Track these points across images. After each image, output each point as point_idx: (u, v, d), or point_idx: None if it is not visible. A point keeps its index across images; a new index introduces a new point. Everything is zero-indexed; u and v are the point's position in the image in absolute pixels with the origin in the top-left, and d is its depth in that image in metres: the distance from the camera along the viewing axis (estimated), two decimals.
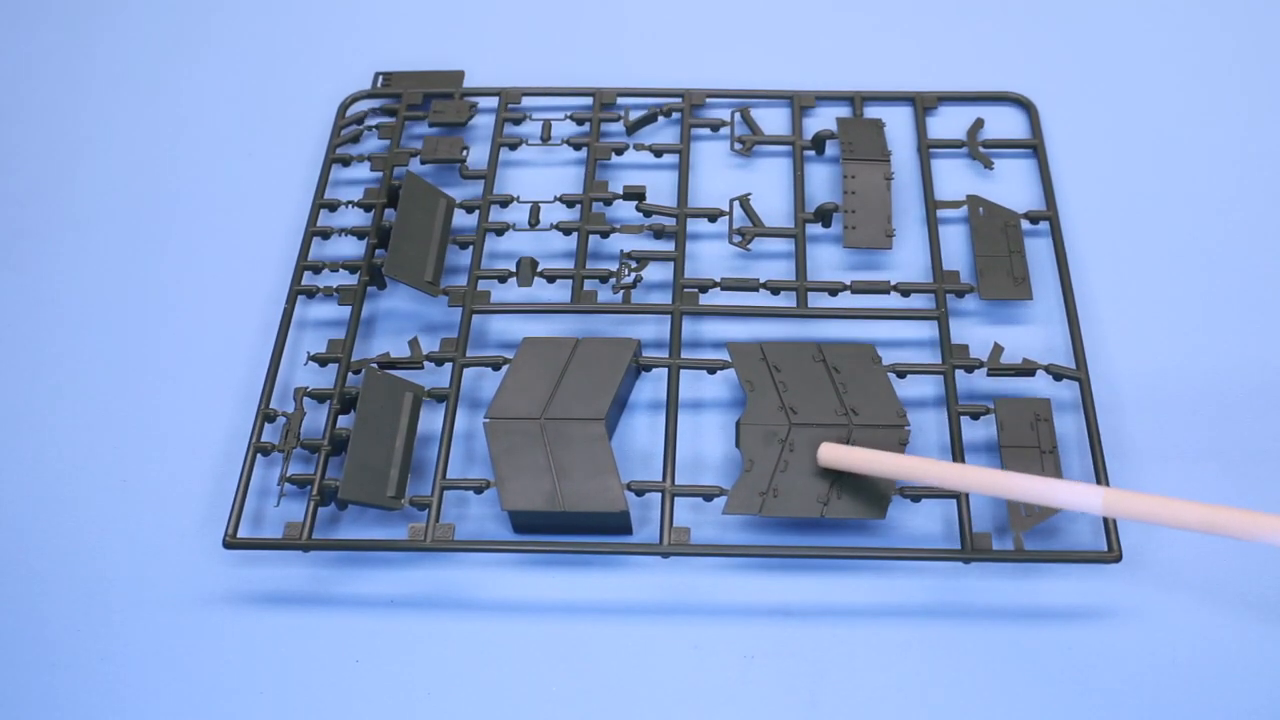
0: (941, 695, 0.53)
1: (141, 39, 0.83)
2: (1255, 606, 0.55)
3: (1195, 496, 0.57)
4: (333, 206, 0.70)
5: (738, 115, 0.74)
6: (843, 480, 0.56)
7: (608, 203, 0.69)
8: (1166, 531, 0.57)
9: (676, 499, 0.58)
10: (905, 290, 0.64)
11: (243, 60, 0.81)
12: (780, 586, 0.57)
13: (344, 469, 0.56)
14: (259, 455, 0.60)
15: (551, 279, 0.66)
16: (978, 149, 0.72)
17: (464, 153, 0.71)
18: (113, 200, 0.74)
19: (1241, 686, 0.53)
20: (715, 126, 0.74)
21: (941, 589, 0.56)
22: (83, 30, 0.84)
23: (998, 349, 0.61)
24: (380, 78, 0.78)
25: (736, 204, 0.69)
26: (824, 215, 0.68)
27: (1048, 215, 0.68)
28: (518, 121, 0.74)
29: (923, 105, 0.74)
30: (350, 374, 0.62)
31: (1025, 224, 0.68)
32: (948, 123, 0.74)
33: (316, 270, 0.67)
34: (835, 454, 0.55)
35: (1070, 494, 0.47)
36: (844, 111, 0.75)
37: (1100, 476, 0.57)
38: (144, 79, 0.81)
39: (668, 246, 0.68)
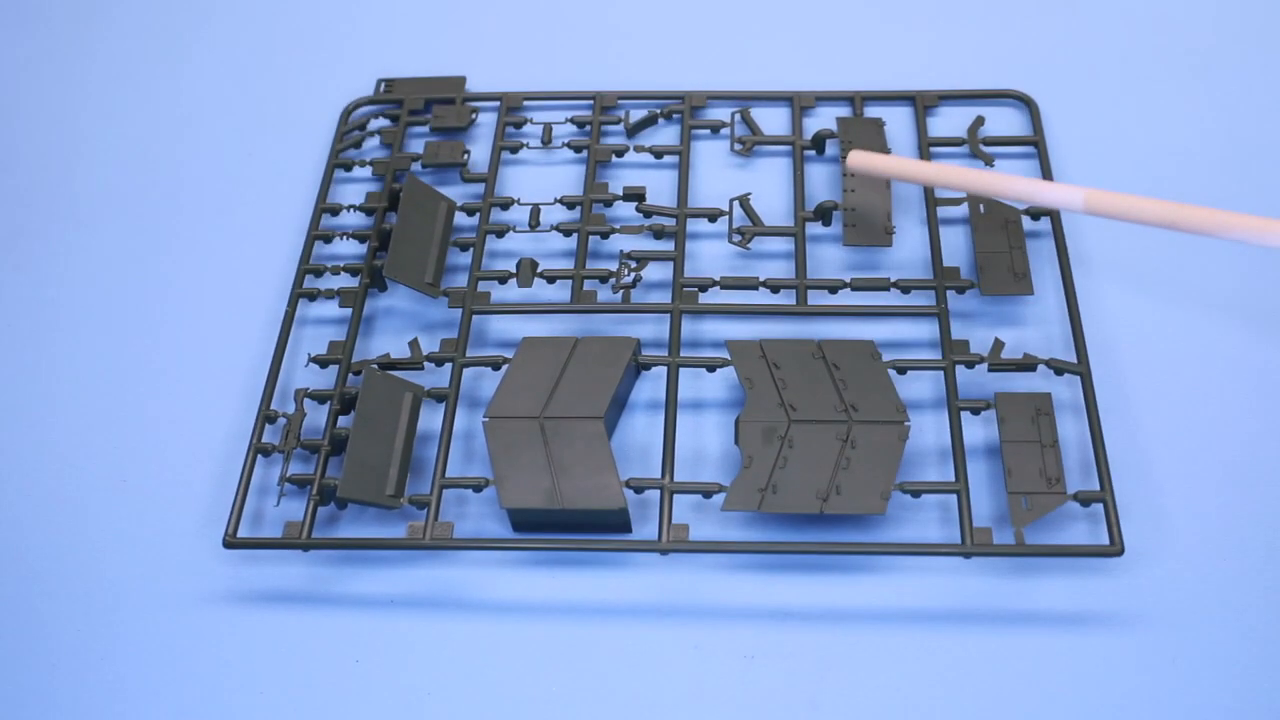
0: (943, 694, 0.53)
1: (143, 43, 0.84)
2: (1256, 604, 0.54)
3: (1200, 487, 0.58)
4: (335, 210, 0.70)
5: (738, 116, 0.75)
6: (842, 476, 0.55)
7: (608, 204, 0.69)
8: (1169, 526, 0.56)
9: (675, 496, 0.57)
10: (905, 287, 0.64)
11: (246, 66, 0.82)
12: (781, 586, 0.56)
13: (343, 467, 0.56)
14: (259, 456, 0.60)
15: (551, 279, 0.66)
16: (978, 147, 0.72)
17: (465, 157, 0.72)
18: (115, 203, 0.74)
19: (1242, 685, 0.52)
20: (715, 127, 0.74)
21: (942, 586, 0.56)
22: (83, 32, 0.84)
23: (998, 344, 0.61)
24: (382, 84, 0.78)
25: (736, 204, 0.69)
26: (824, 213, 0.68)
27: (1049, 211, 0.67)
28: (518, 125, 0.74)
29: (923, 104, 0.74)
30: (350, 375, 0.62)
31: (1026, 220, 0.68)
32: (948, 121, 0.74)
33: (318, 273, 0.67)
34: (861, 159, 0.65)
35: (1053, 193, 0.58)
36: (844, 111, 0.75)
37: (1102, 470, 0.56)
38: (146, 83, 0.81)
39: (667, 246, 0.68)
